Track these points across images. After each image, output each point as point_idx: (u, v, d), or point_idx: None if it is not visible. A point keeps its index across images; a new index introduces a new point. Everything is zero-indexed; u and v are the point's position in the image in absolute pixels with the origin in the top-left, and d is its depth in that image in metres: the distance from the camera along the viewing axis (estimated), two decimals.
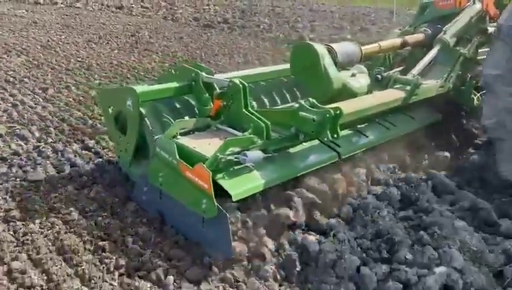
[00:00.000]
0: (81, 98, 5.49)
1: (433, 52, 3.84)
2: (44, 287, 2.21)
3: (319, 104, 2.81)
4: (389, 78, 3.59)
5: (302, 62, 3.38)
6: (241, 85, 2.89)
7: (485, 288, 2.23)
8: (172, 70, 3.34)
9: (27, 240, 2.61)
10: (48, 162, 3.66)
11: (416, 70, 3.64)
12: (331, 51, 3.40)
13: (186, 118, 3.06)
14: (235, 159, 2.58)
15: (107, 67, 7.09)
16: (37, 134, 4.27)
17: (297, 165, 2.89)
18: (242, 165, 2.62)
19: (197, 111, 3.20)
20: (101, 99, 3.66)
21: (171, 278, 2.29)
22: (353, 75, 3.49)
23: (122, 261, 2.40)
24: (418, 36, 4.13)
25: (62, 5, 16.29)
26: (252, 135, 2.74)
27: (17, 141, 4.09)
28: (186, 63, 7.64)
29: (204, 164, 2.45)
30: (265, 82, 3.73)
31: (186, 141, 2.79)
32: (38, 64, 7.15)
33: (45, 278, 2.29)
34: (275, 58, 8.26)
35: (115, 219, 2.84)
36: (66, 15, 13.52)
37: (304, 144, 2.99)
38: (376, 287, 2.23)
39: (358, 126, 3.43)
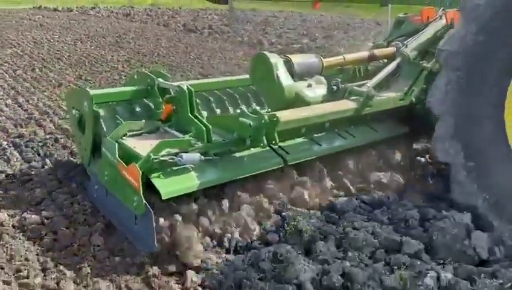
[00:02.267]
0: (37, 76, 7.35)
1: (392, 65, 3.95)
2: None
3: (260, 112, 3.05)
4: (345, 89, 3.67)
5: (259, 72, 3.57)
6: (186, 90, 3.10)
7: None
8: (135, 76, 3.65)
9: None
10: None
11: (372, 82, 3.74)
12: (288, 62, 3.60)
13: (143, 121, 3.27)
14: (170, 160, 2.73)
15: (75, 58, 9.00)
16: None
17: (237, 169, 3.03)
18: (181, 166, 2.78)
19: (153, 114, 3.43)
20: (67, 101, 3.87)
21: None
22: (309, 85, 3.60)
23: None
24: (388, 50, 4.19)
25: (76, 12, 18.74)
26: (190, 137, 2.93)
27: None
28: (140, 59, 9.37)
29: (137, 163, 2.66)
30: (232, 90, 4.01)
31: (130, 142, 3.00)
32: (22, 54, 9.16)
33: None
34: (225, 55, 9.91)
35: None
36: (74, 20, 15.78)
37: (252, 149, 3.15)
38: None
39: (315, 135, 3.57)
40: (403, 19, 4.53)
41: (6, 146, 4.32)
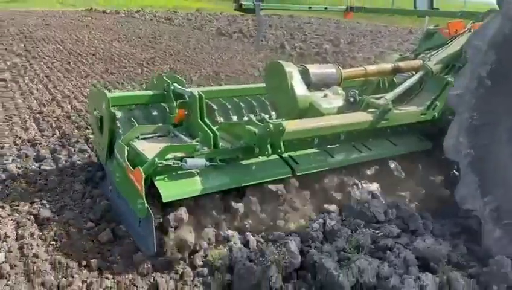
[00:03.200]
0: (70, 68, 8.45)
1: (413, 78, 3.88)
2: None
3: (267, 120, 3.07)
4: (362, 101, 3.63)
5: (274, 80, 3.58)
6: (197, 96, 3.19)
7: None
8: (154, 80, 3.68)
9: None
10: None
11: (390, 95, 3.66)
12: (305, 71, 3.60)
13: (155, 125, 3.37)
14: (175, 165, 2.80)
15: (107, 53, 10.11)
16: (26, 80, 7.22)
17: (242, 176, 3.06)
18: (186, 171, 2.86)
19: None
20: (89, 102, 3.99)
21: None
22: (325, 96, 3.58)
23: None
24: (415, 62, 4.10)
25: (123, 15, 20.24)
26: (195, 143, 3.02)
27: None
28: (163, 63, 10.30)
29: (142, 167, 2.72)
30: (250, 97, 4.02)
31: (140, 145, 3.05)
32: (62, 50, 10.38)
33: None
34: (244, 57, 10.68)
35: None
36: (118, 22, 17.16)
37: (260, 157, 3.16)
38: None
39: (329, 146, 3.55)
40: (434, 31, 4.45)
41: (28, 119, 5.31)
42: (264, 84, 3.99)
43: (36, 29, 13.49)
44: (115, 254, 2.81)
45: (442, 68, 3.95)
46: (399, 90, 3.76)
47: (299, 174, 3.26)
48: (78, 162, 4.14)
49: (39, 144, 4.55)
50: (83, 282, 2.55)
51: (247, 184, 3.07)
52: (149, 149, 2.95)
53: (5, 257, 2.72)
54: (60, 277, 2.58)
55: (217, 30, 15.79)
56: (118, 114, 3.36)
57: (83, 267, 2.69)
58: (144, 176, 2.67)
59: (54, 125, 5.13)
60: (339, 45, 12.77)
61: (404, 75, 4.14)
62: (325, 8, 8.35)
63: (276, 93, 3.62)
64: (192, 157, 2.89)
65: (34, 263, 2.68)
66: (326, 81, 3.69)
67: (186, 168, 2.83)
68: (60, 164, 4.10)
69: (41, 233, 3.00)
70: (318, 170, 3.36)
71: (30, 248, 2.81)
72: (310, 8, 8.17)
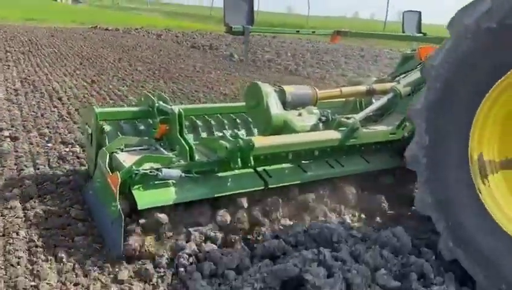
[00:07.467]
0: (56, 61, 12.62)
1: (382, 100, 4.29)
2: None
3: (239, 136, 3.59)
4: (334, 120, 4.04)
5: (252, 100, 3.97)
6: (177, 113, 3.66)
7: None
8: (142, 98, 4.21)
9: None
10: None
11: (360, 115, 4.06)
12: (281, 92, 4.00)
13: (138, 137, 3.83)
14: (151, 173, 3.18)
15: (88, 55, 14.31)
16: (23, 66, 11.37)
17: (216, 187, 3.45)
18: (163, 181, 3.24)
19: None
20: (82, 117, 4.56)
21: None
22: (300, 114, 3.94)
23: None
24: (388, 85, 4.51)
25: (121, 31, 24.73)
26: (172, 155, 3.47)
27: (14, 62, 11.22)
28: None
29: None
30: (234, 115, 4.53)
31: (122, 155, 3.53)
32: (57, 52, 14.69)
33: None
34: (194, 62, 14.64)
35: None
36: (114, 36, 21.59)
37: (236, 171, 3.55)
38: None
39: (303, 162, 3.95)
40: (410, 56, 4.91)
41: (16, 81, 9.37)
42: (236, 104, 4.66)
43: (42, 39, 18.01)
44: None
45: (410, 91, 4.39)
46: (367, 110, 4.26)
47: (271, 187, 3.66)
48: (36, 97, 8.13)
49: (19, 90, 8.56)
50: None
51: (220, 195, 3.45)
52: (129, 160, 3.38)
53: None
54: None
55: (192, 44, 19.95)
56: (107, 128, 3.88)
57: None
58: (119, 181, 3.06)
59: (30, 83, 9.18)
60: (281, 56, 16.65)
61: (380, 96, 4.54)
62: (313, 32, 8.91)
63: (253, 112, 4.07)
64: (169, 168, 3.29)
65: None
66: (302, 101, 4.12)
67: (161, 177, 3.21)
68: (28, 98, 8.07)
69: None
70: (289, 183, 3.78)
71: None
72: (298, 31, 8.84)
